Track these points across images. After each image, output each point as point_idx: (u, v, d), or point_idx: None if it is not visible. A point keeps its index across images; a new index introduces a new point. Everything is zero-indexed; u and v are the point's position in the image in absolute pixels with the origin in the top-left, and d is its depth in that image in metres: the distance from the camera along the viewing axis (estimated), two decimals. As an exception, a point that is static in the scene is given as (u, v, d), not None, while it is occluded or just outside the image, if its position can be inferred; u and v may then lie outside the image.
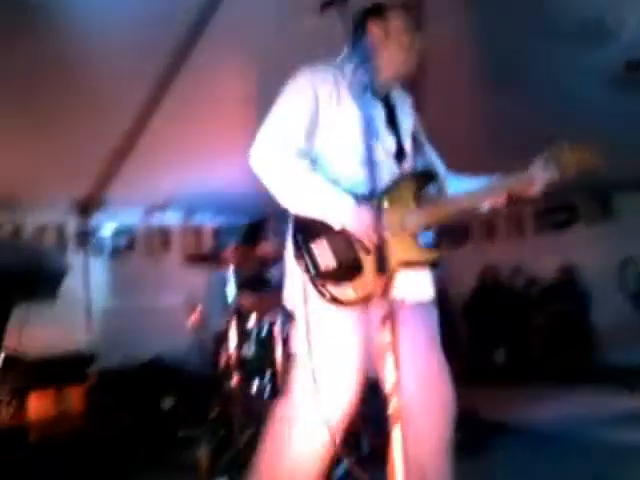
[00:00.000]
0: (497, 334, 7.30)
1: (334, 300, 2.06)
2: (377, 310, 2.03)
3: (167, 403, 4.75)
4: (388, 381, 1.73)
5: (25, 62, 4.00)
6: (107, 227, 6.20)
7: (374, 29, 2.30)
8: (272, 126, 2.16)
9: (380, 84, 2.30)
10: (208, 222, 6.76)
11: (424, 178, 2.28)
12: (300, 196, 2.12)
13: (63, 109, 4.48)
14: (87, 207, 5.93)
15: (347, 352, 2.11)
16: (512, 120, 5.11)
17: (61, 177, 5.22)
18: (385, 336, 1.74)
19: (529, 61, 4.63)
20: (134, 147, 5.31)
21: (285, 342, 3.83)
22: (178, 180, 5.53)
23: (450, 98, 4.99)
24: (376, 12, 2.32)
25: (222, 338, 4.22)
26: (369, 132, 2.07)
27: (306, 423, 2.08)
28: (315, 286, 2.07)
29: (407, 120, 2.40)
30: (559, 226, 7.45)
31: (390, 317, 1.75)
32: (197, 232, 6.67)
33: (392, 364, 1.73)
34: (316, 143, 2.20)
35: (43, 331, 5.03)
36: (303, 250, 2.10)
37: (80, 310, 5.86)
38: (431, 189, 2.28)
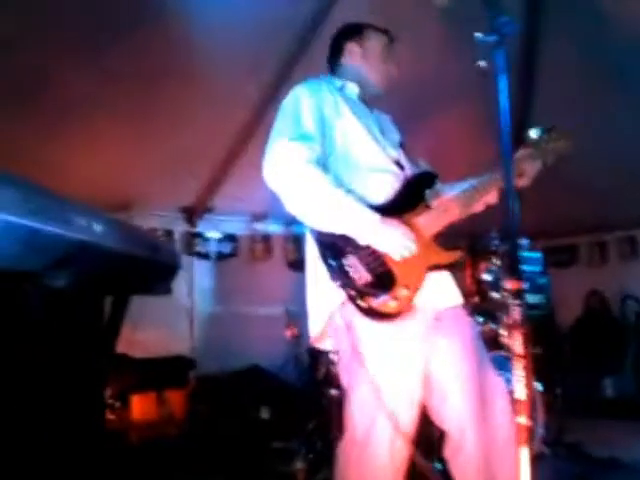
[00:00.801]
0: (604, 364, 6.88)
1: (378, 314, 2.00)
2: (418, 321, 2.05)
3: (264, 413, 4.74)
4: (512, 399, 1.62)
5: (135, 70, 4.12)
6: (212, 233, 6.29)
7: (352, 48, 2.41)
8: (286, 139, 2.06)
9: (366, 98, 2.37)
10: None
11: (428, 179, 2.27)
12: (323, 212, 2.03)
13: (174, 117, 4.60)
14: (193, 213, 6.07)
15: (406, 369, 2.06)
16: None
17: (170, 183, 5.38)
18: (514, 347, 1.62)
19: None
20: (239, 156, 5.39)
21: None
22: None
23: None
24: (352, 32, 2.44)
25: (319, 350, 4.18)
26: (375, 139, 2.21)
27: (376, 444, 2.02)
28: (355, 303, 2.00)
29: (393, 132, 2.45)
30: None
31: (517, 326, 1.63)
32: (298, 240, 6.68)
33: (521, 380, 1.60)
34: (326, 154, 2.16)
35: (146, 333, 5.17)
36: (336, 268, 2.02)
37: (182, 314, 6.01)
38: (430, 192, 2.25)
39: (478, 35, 1.73)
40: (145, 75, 4.20)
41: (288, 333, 5.33)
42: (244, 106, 4.92)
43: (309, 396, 4.42)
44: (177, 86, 4.35)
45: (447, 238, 2.21)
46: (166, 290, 2.34)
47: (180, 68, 4.22)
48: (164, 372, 5.17)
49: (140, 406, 4.97)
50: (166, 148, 4.86)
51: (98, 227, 1.65)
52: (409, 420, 2.06)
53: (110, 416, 4.72)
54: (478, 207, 2.28)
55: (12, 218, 1.32)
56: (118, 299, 2.17)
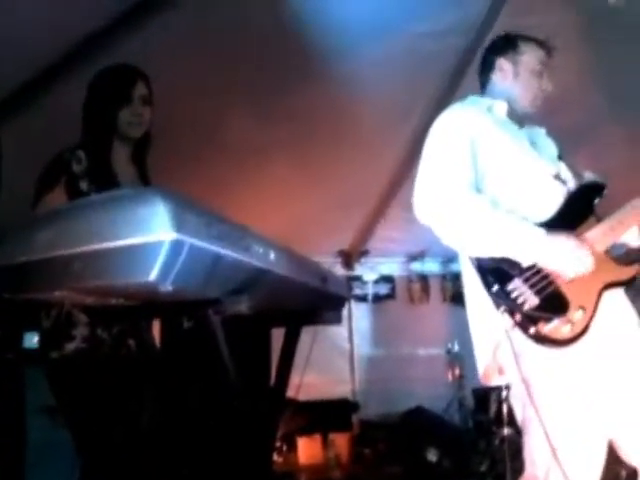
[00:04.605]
0: None
1: (549, 341, 1.82)
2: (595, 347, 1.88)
3: (432, 455, 4.60)
4: None
5: (298, 118, 4.26)
6: (369, 276, 6.32)
7: (503, 65, 2.26)
8: (439, 167, 1.98)
9: (518, 115, 2.23)
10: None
11: (595, 190, 2.11)
12: (484, 235, 1.91)
13: (330, 162, 4.70)
14: (350, 257, 6.13)
15: (584, 403, 1.88)
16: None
17: (328, 227, 5.46)
18: None
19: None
20: (394, 197, 5.40)
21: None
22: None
23: None
24: (505, 46, 2.28)
25: (488, 388, 4.03)
26: (529, 157, 2.10)
27: None
28: (523, 330, 1.83)
29: (551, 147, 2.31)
30: None
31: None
32: (456, 278, 6.56)
33: None
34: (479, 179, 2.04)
35: (307, 376, 5.23)
36: (500, 294, 1.86)
37: (342, 357, 6.03)
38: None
39: None
40: (305, 123, 4.32)
41: (450, 374, 5.19)
42: (396, 148, 4.92)
43: (477, 437, 4.24)
44: (333, 132, 4.44)
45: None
46: (337, 320, 2.33)
47: (335, 115, 4.31)
48: (329, 415, 5.19)
49: (306, 449, 5.01)
50: (324, 193, 4.96)
51: (273, 255, 1.67)
52: (592, 461, 1.88)
53: (277, 458, 4.79)
54: None
55: (197, 242, 1.30)
56: (291, 329, 2.19)
